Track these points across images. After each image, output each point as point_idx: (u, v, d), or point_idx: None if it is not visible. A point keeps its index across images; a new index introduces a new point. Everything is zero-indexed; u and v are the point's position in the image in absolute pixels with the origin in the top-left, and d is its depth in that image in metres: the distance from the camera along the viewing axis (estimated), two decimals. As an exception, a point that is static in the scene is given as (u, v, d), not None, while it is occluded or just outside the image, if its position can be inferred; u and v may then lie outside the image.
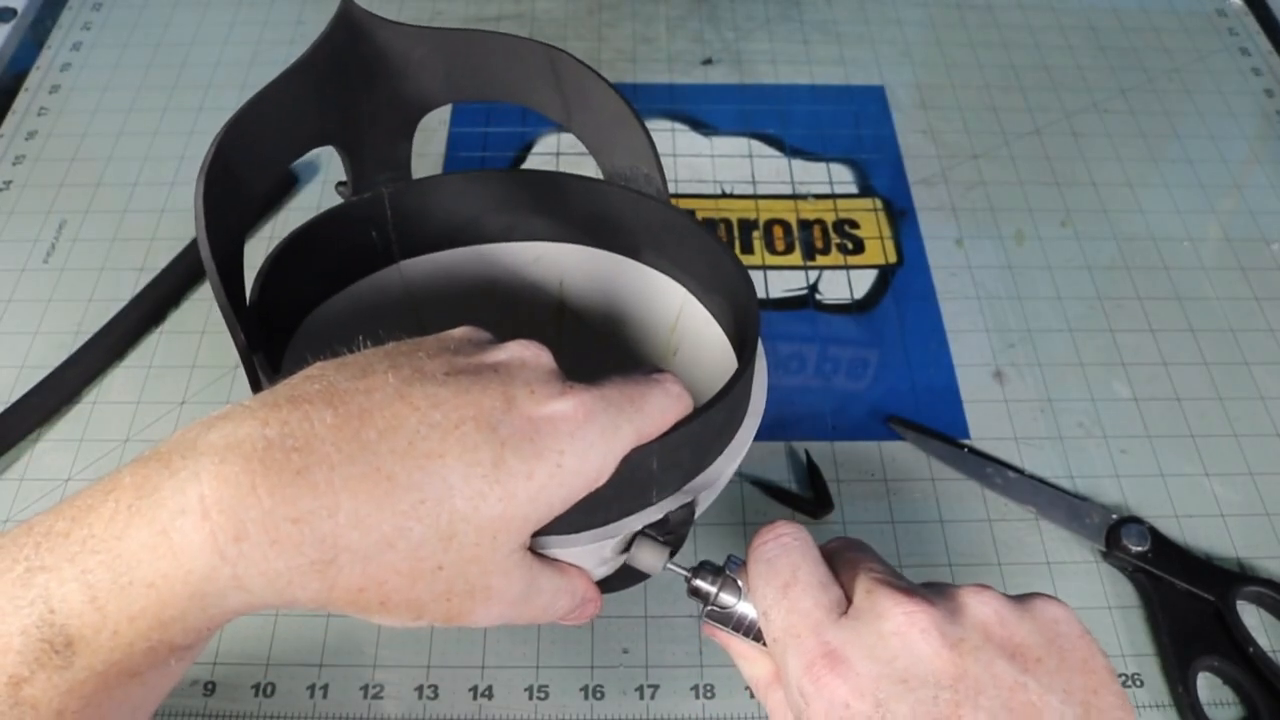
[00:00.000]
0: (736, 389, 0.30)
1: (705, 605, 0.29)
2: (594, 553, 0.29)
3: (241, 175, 0.33)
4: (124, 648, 0.22)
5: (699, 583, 0.29)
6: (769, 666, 0.28)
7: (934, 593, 0.25)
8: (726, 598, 0.28)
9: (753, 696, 0.40)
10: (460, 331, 0.28)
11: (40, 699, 0.22)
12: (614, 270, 0.40)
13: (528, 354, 0.27)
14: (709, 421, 0.29)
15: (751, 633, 0.28)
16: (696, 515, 0.31)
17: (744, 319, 0.35)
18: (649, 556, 0.29)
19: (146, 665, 0.23)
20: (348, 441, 0.22)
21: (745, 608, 0.28)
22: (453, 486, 0.23)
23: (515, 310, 0.42)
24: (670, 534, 0.29)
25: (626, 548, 0.29)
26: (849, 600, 0.26)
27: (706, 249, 0.37)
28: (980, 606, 0.24)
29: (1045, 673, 0.23)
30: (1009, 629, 0.24)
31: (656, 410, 0.27)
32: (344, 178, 0.41)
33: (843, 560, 0.28)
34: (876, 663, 0.23)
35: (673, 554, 0.29)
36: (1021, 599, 0.26)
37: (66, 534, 0.22)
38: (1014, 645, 0.24)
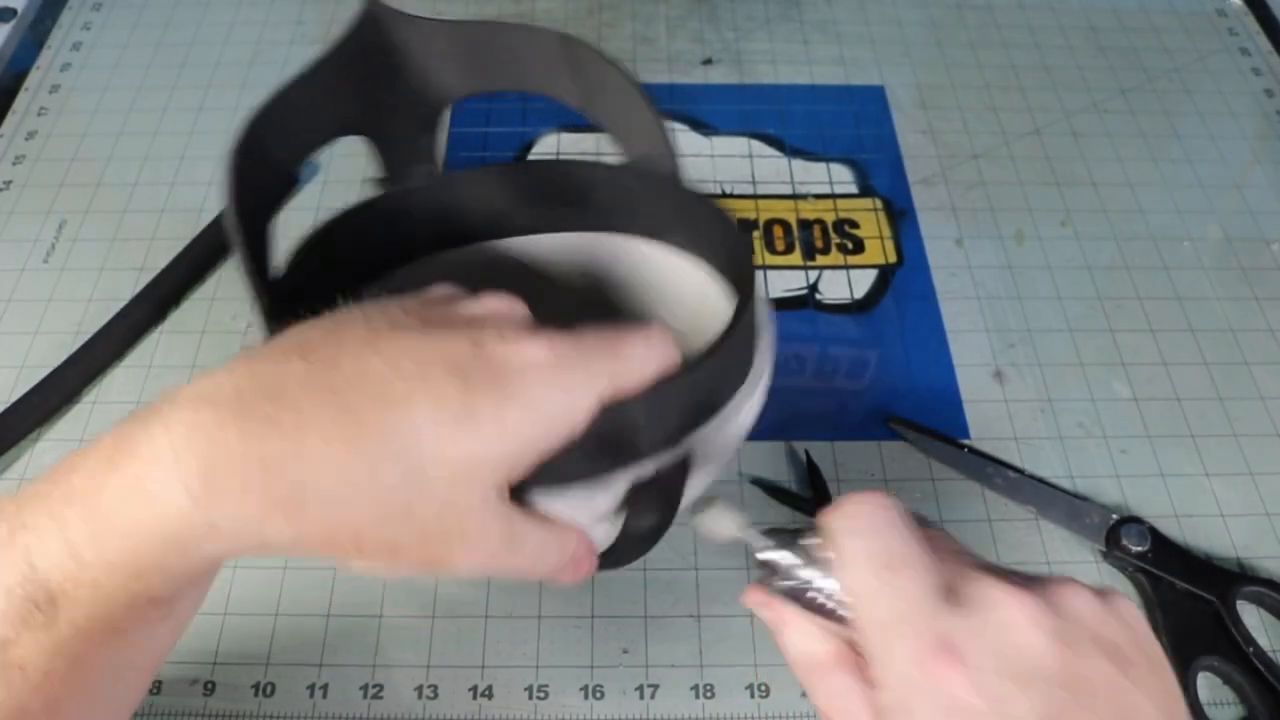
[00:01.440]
0: (729, 342, 0.29)
1: (775, 578, 0.27)
2: (584, 508, 0.28)
3: (272, 154, 0.34)
4: (105, 600, 0.22)
5: (772, 555, 0.27)
6: (830, 647, 0.26)
7: (1036, 585, 0.24)
8: (806, 571, 0.26)
9: (754, 695, 0.40)
10: (437, 289, 0.28)
11: (27, 660, 0.22)
12: (639, 257, 0.41)
13: (501, 305, 0.27)
14: (698, 374, 0.28)
15: (823, 610, 0.26)
16: (697, 479, 0.31)
17: (739, 274, 0.35)
18: (725, 523, 0.28)
19: (129, 620, 0.23)
20: (317, 388, 0.23)
21: (824, 582, 0.26)
22: (420, 428, 0.23)
23: (541, 302, 0.43)
24: (664, 490, 0.28)
25: (626, 506, 0.29)
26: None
27: (703, 213, 0.37)
28: (1078, 601, 0.23)
29: (1140, 676, 0.23)
30: (1107, 628, 0.23)
31: (636, 358, 0.26)
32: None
33: (932, 542, 0.26)
34: (994, 657, 0.22)
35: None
36: (1104, 592, 0.24)
37: (48, 493, 0.22)
38: (1112, 645, 0.23)
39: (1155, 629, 0.42)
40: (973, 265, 0.55)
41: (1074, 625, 0.23)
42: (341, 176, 0.57)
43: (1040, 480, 0.46)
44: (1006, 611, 0.22)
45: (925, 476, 0.47)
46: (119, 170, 0.59)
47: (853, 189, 0.59)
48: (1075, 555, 0.44)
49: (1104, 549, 0.44)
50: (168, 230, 0.55)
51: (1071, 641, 0.22)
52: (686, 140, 0.61)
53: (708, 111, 0.63)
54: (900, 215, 0.57)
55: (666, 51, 0.66)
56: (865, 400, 0.50)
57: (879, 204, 0.58)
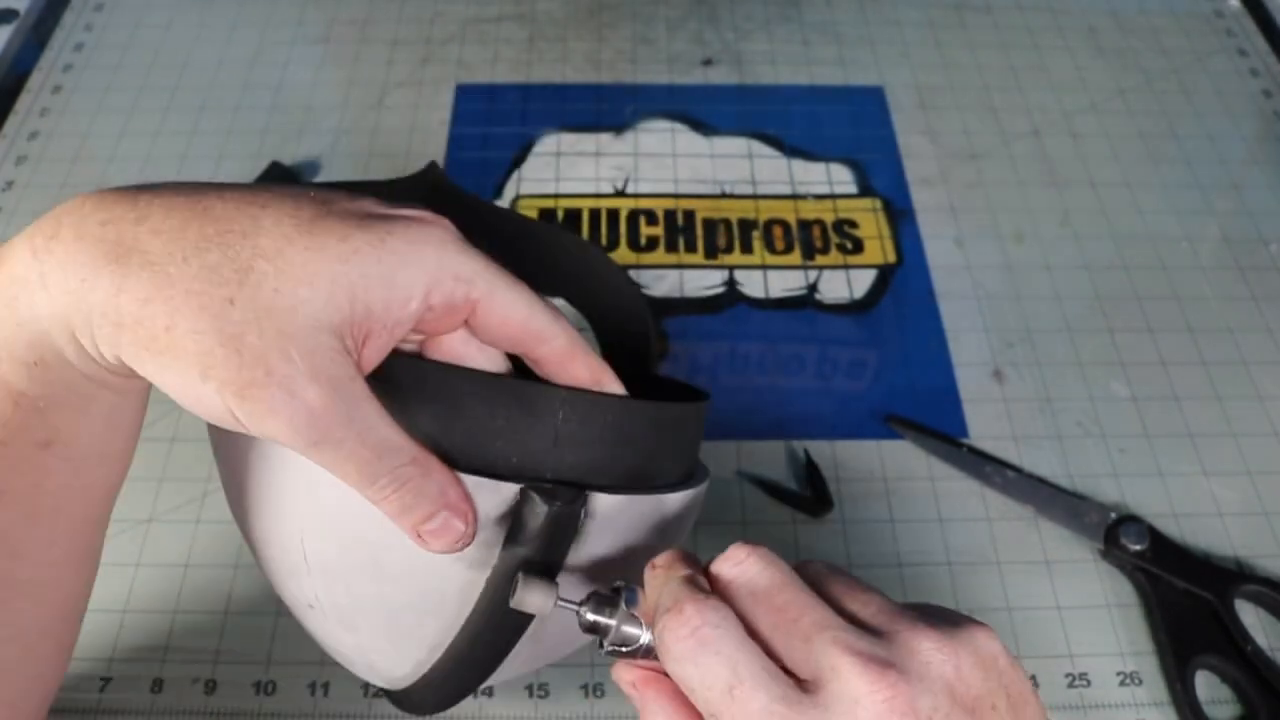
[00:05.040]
0: (675, 411, 0.28)
1: (607, 639, 0.25)
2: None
3: None
4: None
5: (598, 618, 0.25)
6: None
7: (893, 647, 0.23)
8: (631, 628, 0.25)
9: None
10: None
11: None
12: None
13: (427, 215, 0.26)
14: (625, 410, 0.27)
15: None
16: (591, 521, 0.28)
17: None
18: (536, 597, 0.26)
19: (5, 430, 0.24)
20: (181, 187, 0.24)
21: (649, 635, 0.25)
22: (263, 226, 0.23)
23: None
24: (554, 502, 0.26)
25: (510, 517, 0.27)
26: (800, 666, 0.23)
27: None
28: (942, 664, 0.23)
29: (998, 719, 0.23)
30: (967, 683, 0.23)
31: (522, 298, 0.26)
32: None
33: (825, 588, 0.25)
34: None
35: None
36: (959, 634, 0.23)
37: None
38: (973, 699, 0.23)
39: (1154, 627, 0.42)
40: (972, 265, 0.55)
41: (939, 695, 0.22)
42: (342, 175, 0.57)
43: (1039, 479, 0.46)
44: (870, 708, 0.21)
45: (925, 476, 0.47)
46: (121, 170, 0.59)
47: (852, 189, 0.59)
48: (1074, 554, 0.45)
49: (1103, 548, 0.44)
50: (169, 230, 0.55)
51: (934, 717, 0.22)
52: (686, 140, 0.61)
53: (708, 111, 0.63)
54: (900, 215, 0.58)
55: (666, 52, 0.66)
56: (865, 400, 0.50)
57: (879, 204, 0.58)
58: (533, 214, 0.57)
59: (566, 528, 0.27)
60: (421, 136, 0.60)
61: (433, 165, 0.41)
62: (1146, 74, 0.66)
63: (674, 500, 0.29)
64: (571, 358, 0.28)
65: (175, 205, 0.23)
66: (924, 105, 0.64)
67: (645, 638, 0.25)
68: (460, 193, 0.42)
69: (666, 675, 0.24)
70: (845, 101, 0.64)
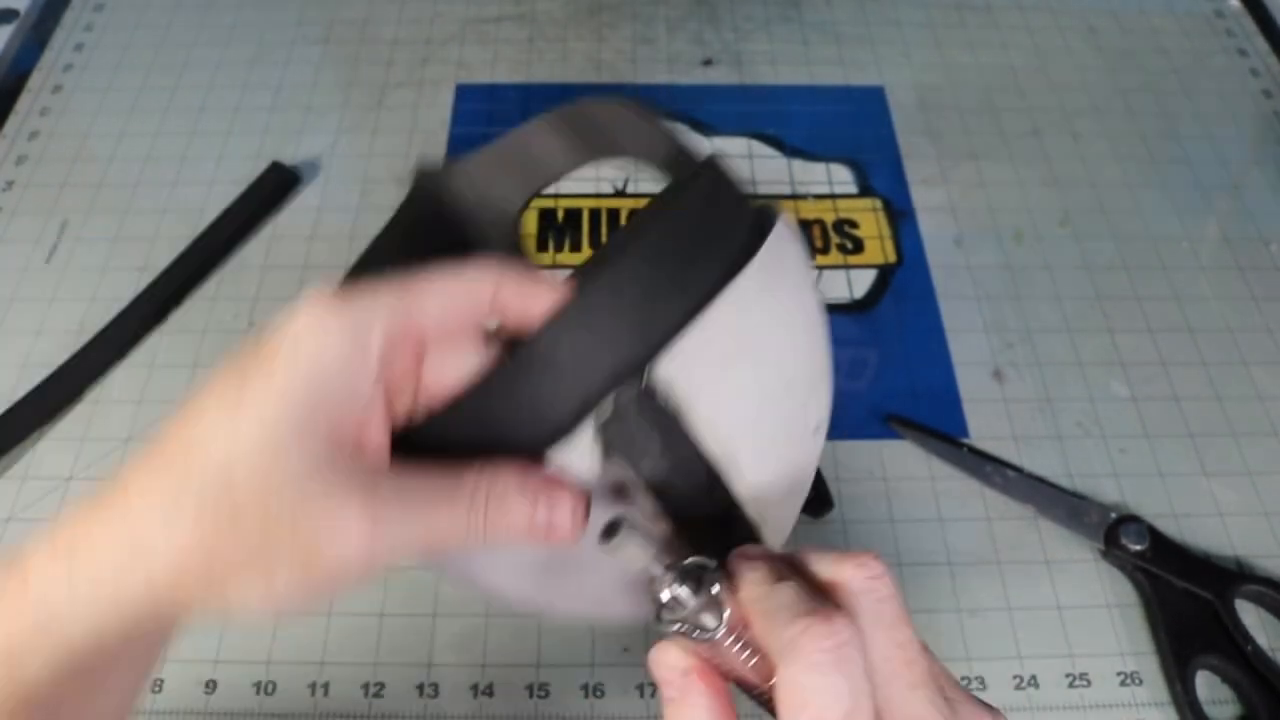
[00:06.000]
0: (649, 237, 0.26)
1: (672, 617, 0.23)
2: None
3: None
4: None
5: (679, 593, 0.23)
6: None
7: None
8: (707, 618, 0.23)
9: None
10: None
11: None
12: None
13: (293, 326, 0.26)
14: (595, 282, 0.25)
15: (730, 660, 0.23)
16: (678, 385, 0.26)
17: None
18: (632, 550, 0.24)
19: None
20: (154, 438, 0.24)
21: (722, 631, 0.23)
22: (210, 423, 0.23)
23: None
24: (650, 420, 0.24)
25: (607, 453, 0.25)
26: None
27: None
28: None
29: None
30: None
31: (440, 284, 0.25)
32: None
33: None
34: None
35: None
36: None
37: None
38: None
39: (1154, 627, 0.42)
40: (972, 265, 0.55)
41: None
42: (342, 175, 0.57)
43: (1039, 479, 0.46)
44: None
45: (925, 476, 0.47)
46: (121, 170, 0.59)
47: (852, 189, 0.59)
48: (1074, 554, 0.45)
49: (1103, 548, 0.44)
50: (169, 230, 0.55)
51: None
52: (686, 140, 0.61)
53: (708, 112, 0.63)
54: (900, 215, 0.58)
55: (666, 52, 0.66)
56: (865, 400, 0.50)
57: (879, 204, 0.58)
58: (532, 215, 0.57)
59: (657, 409, 0.25)
60: (421, 136, 0.60)
61: (419, 175, 0.39)
62: (1146, 74, 0.66)
63: (747, 285, 0.27)
64: (521, 295, 0.26)
65: (144, 467, 0.24)
66: (924, 105, 0.64)
67: (721, 631, 0.23)
68: (460, 199, 0.41)
69: (716, 672, 0.23)
70: (845, 101, 0.64)
